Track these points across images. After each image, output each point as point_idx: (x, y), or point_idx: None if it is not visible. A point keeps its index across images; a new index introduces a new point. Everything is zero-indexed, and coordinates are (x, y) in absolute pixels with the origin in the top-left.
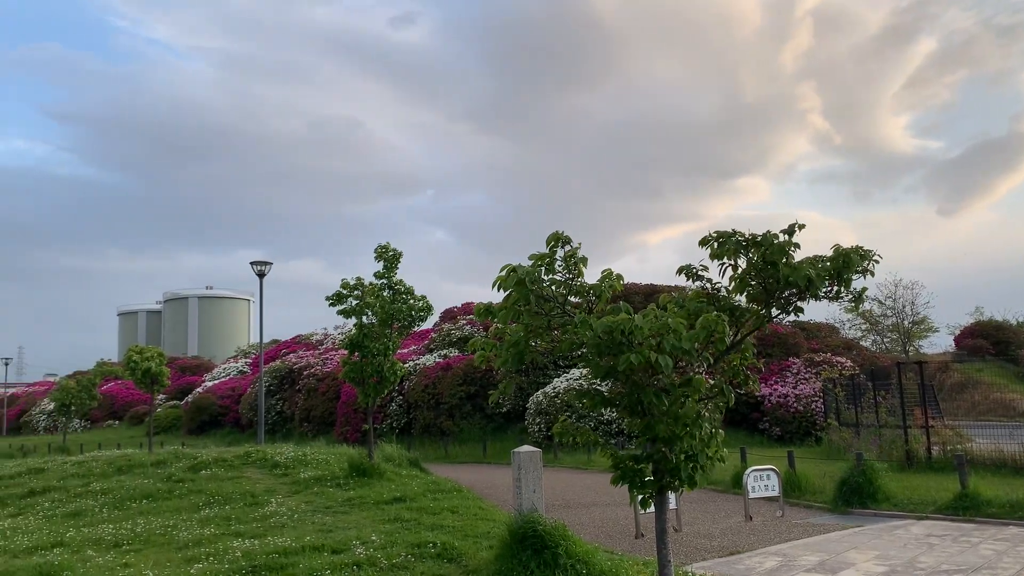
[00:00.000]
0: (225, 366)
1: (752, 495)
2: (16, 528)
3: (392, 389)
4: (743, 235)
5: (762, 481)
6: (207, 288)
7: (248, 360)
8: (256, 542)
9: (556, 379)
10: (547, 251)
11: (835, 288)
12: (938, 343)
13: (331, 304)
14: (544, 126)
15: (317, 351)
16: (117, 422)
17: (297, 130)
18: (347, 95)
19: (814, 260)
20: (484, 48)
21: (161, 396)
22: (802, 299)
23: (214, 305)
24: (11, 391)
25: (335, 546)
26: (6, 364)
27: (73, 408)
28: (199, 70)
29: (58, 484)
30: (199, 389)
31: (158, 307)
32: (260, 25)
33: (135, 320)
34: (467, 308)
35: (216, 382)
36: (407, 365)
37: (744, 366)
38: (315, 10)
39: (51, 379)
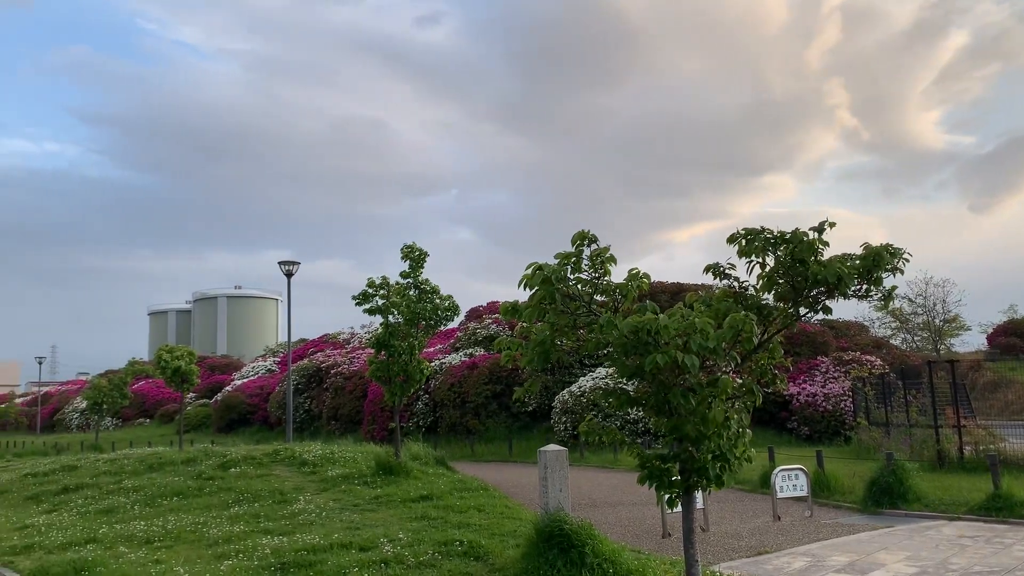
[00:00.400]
0: (253, 365)
1: (780, 495)
2: (51, 524)
3: (418, 388)
4: (771, 232)
5: (790, 481)
6: (236, 288)
7: (276, 359)
8: (285, 539)
9: (582, 378)
10: (573, 250)
11: (865, 286)
12: (970, 342)
13: (357, 303)
14: (568, 125)
15: (344, 350)
16: (148, 420)
17: (322, 131)
18: (371, 95)
19: (843, 258)
20: (508, 47)
21: (191, 395)
22: (831, 297)
23: (242, 305)
24: (45, 390)
25: (363, 543)
26: (40, 363)
27: (105, 406)
28: (225, 72)
29: (91, 481)
30: (228, 388)
31: (188, 307)
32: (285, 26)
33: (165, 320)
34: (492, 307)
35: (245, 381)
36: (433, 364)
37: (772, 365)
38: (340, 11)
39: (83, 378)
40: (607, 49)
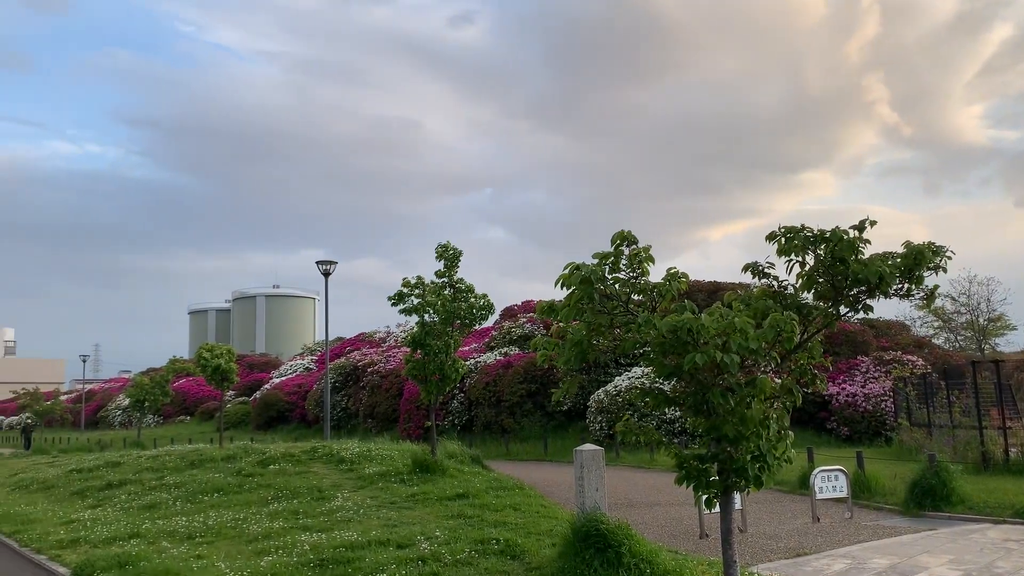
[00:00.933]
0: (291, 363)
1: (819, 496)
2: (95, 519)
3: (454, 387)
4: (811, 231)
5: (830, 482)
6: (274, 287)
7: (314, 357)
8: (323, 536)
9: (617, 377)
10: (612, 249)
11: (906, 285)
12: (1016, 341)
13: (393, 303)
14: (603, 122)
15: (380, 349)
16: (188, 417)
17: (358, 131)
18: (406, 95)
19: (884, 256)
20: (542, 45)
21: (230, 392)
22: (872, 296)
23: (281, 303)
24: (88, 387)
25: (400, 541)
26: (84, 361)
27: (147, 404)
28: (263, 73)
29: (134, 477)
30: (267, 386)
31: (227, 305)
32: (321, 28)
33: (205, 318)
34: (527, 306)
35: (283, 379)
36: (468, 363)
37: (812, 365)
38: (374, 11)
39: (126, 376)
40: (641, 46)
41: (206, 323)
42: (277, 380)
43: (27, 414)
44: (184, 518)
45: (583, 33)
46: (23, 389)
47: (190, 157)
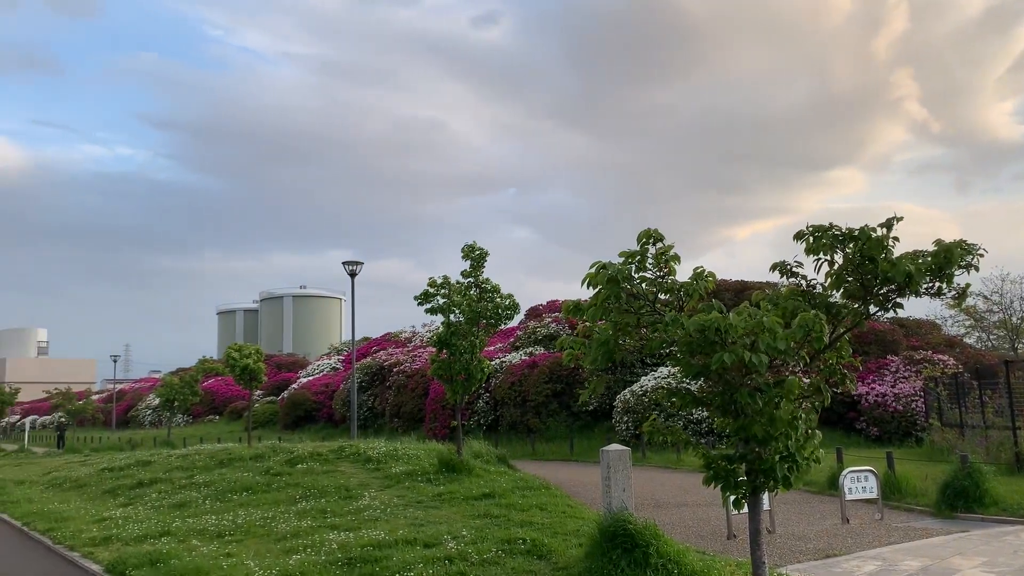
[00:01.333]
0: (318, 363)
1: (849, 497)
2: (127, 517)
3: (479, 386)
4: (839, 229)
5: (859, 483)
6: (301, 287)
7: (340, 357)
8: (351, 535)
9: (643, 377)
10: (638, 248)
11: (936, 284)
12: None
13: (419, 303)
14: (627, 122)
15: (406, 348)
16: (217, 417)
17: (383, 132)
18: (431, 96)
19: (914, 255)
20: (566, 44)
21: (259, 392)
22: (902, 295)
23: (307, 304)
24: (119, 387)
25: (427, 540)
26: (114, 361)
27: (176, 403)
28: (289, 76)
29: (164, 476)
30: (294, 385)
31: (255, 306)
32: (346, 30)
33: (233, 319)
34: (552, 306)
35: (310, 379)
36: (493, 363)
37: (841, 365)
38: (398, 13)
39: (155, 375)
40: (666, 44)
41: (234, 323)
42: (304, 380)
43: (59, 413)
44: (213, 517)
45: (607, 32)
46: (55, 389)
47: (217, 159)
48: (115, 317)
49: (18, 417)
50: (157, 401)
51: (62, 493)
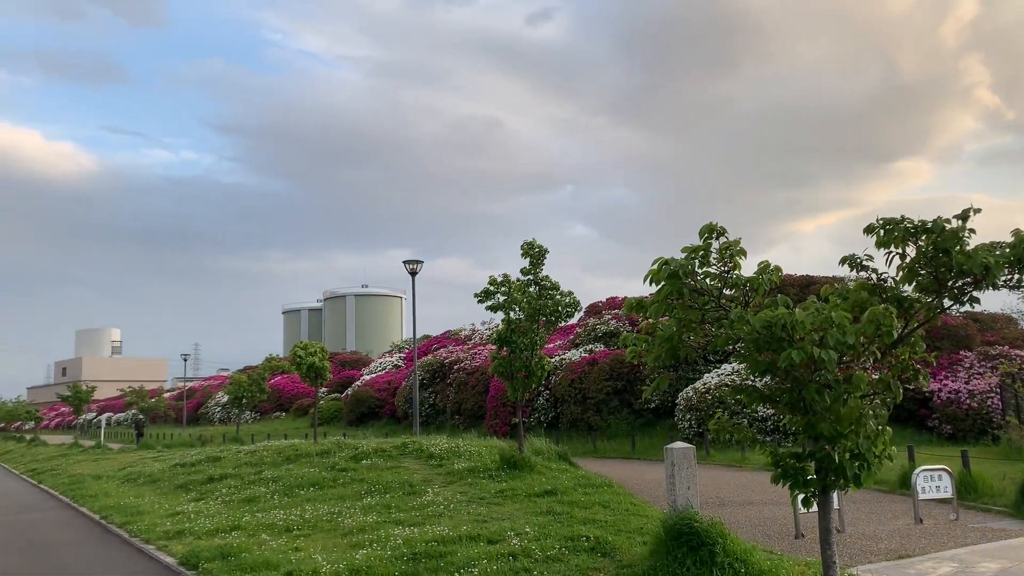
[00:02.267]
0: (381, 360)
1: (922, 496)
2: (199, 512)
3: (539, 384)
4: (911, 222)
5: (933, 482)
6: (363, 287)
7: (402, 355)
8: (416, 530)
9: (707, 374)
10: (700, 243)
11: (1016, 276)
12: None
13: (479, 300)
14: (685, 115)
15: (466, 346)
16: (283, 414)
17: (440, 132)
18: (487, 95)
19: (991, 247)
20: (621, 39)
21: (323, 389)
22: (978, 289)
23: (369, 302)
24: (189, 385)
25: (490, 536)
26: (184, 360)
27: (244, 400)
28: (347, 78)
29: (233, 472)
30: (358, 383)
31: (318, 305)
32: (401, 30)
33: (298, 318)
34: (612, 302)
35: (373, 376)
36: (553, 360)
37: (914, 360)
38: (453, 12)
39: (224, 374)
40: (724, 36)
41: (299, 322)
42: (367, 377)
43: (134, 411)
44: (282, 511)
45: (662, 25)
46: (129, 387)
47: (279, 162)
48: (184, 317)
49: (94, 414)
50: (226, 398)
51: (137, 488)
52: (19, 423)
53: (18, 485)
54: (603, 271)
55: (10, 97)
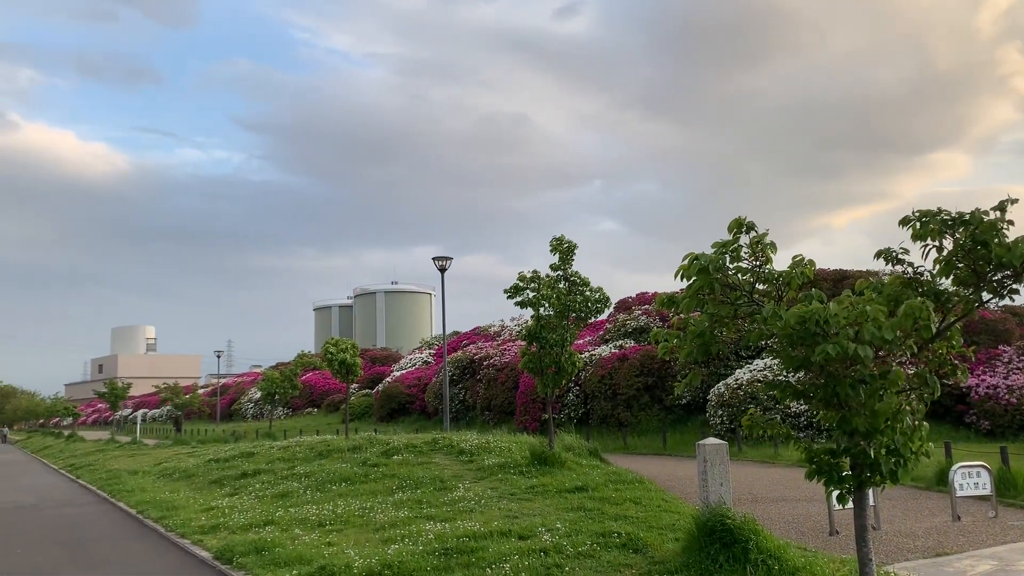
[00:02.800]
0: (411, 357)
1: (960, 493)
2: (233, 507)
3: (569, 380)
4: (948, 214)
5: (971, 479)
6: (392, 283)
7: (431, 351)
8: (447, 525)
9: (738, 370)
10: (730, 238)
11: None
12: None
13: (509, 296)
14: (714, 108)
15: (495, 342)
16: (315, 410)
17: (467, 128)
18: (514, 90)
19: None
20: (649, 32)
21: (354, 385)
22: (1018, 281)
23: (399, 299)
24: (223, 381)
25: (521, 532)
26: (218, 357)
27: (277, 396)
28: (375, 76)
29: (267, 467)
30: (388, 379)
31: (349, 302)
32: (429, 28)
33: (328, 314)
34: (641, 298)
35: (403, 372)
36: (583, 356)
37: (952, 355)
38: (479, 9)
39: (256, 370)
40: (753, 27)
41: (330, 319)
42: (397, 373)
43: (168, 407)
44: (314, 506)
45: (691, 17)
46: (164, 384)
47: (308, 159)
48: (218, 314)
49: (130, 410)
50: (259, 395)
51: (172, 483)
52: (57, 419)
53: (57, 480)
54: (632, 266)
55: (46, 98)
